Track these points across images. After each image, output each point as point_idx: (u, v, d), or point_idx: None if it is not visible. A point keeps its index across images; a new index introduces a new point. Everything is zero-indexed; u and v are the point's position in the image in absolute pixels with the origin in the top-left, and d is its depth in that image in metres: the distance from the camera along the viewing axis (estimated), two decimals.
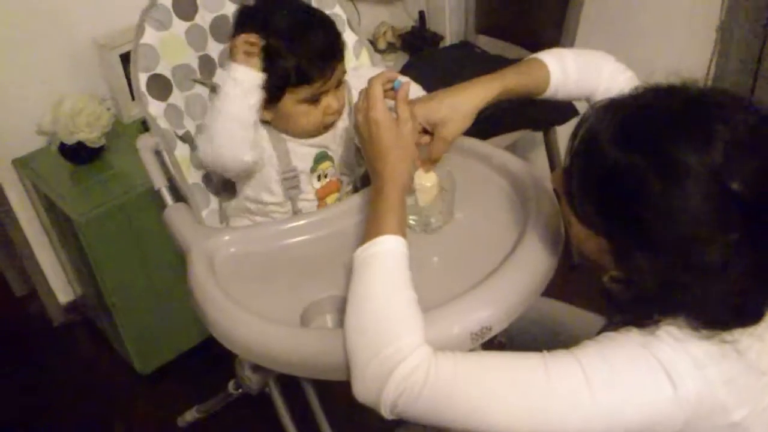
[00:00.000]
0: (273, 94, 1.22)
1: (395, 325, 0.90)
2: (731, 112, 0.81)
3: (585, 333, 1.34)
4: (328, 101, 1.25)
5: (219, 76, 1.22)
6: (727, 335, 0.84)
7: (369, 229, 1.02)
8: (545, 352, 0.86)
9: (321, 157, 1.32)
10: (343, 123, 1.33)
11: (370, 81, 1.11)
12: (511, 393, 0.84)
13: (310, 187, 1.32)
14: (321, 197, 1.34)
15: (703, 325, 0.84)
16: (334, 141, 1.33)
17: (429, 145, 1.17)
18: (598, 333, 0.91)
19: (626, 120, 0.84)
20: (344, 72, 1.28)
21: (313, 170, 1.32)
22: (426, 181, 1.16)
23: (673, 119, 0.81)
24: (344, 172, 1.36)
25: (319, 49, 1.20)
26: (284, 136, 1.29)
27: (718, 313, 0.83)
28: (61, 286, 2.43)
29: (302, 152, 1.30)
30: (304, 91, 1.22)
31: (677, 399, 0.82)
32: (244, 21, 1.24)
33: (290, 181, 1.29)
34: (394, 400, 0.86)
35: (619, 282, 0.92)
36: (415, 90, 1.39)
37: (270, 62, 1.19)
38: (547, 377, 0.83)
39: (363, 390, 0.90)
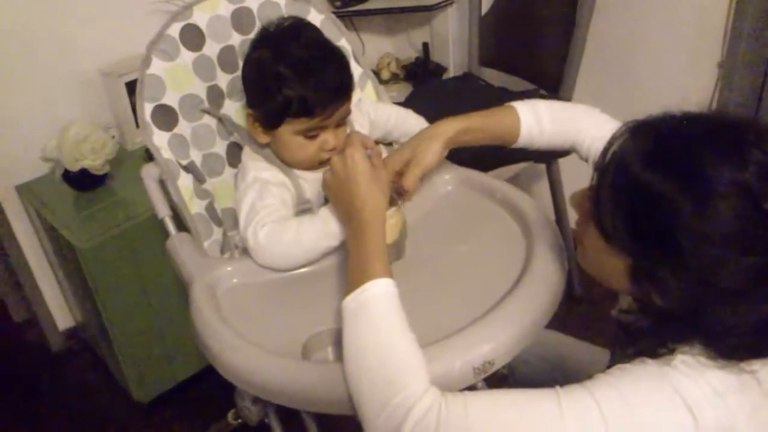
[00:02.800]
0: (272, 120, 1.23)
1: (399, 373, 0.88)
2: (764, 136, 0.82)
3: (588, 365, 1.35)
4: (326, 138, 1.24)
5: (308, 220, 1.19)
6: (746, 365, 0.83)
7: (355, 274, 0.99)
8: (558, 387, 0.85)
9: None
10: None
11: (350, 135, 1.14)
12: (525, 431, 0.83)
13: None
14: None
15: (721, 354, 0.83)
16: None
17: (402, 178, 1.19)
18: (609, 366, 0.90)
19: (659, 140, 0.84)
20: (348, 112, 1.27)
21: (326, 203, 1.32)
22: (390, 218, 1.16)
23: (707, 141, 0.82)
24: None
25: (326, 85, 1.20)
26: (294, 170, 1.28)
27: (738, 341, 0.82)
28: (60, 313, 2.43)
29: (314, 185, 1.30)
30: (303, 124, 1.21)
31: (698, 430, 0.80)
32: (262, 43, 1.25)
33: (303, 214, 1.28)
34: None
35: (629, 313, 0.92)
36: (419, 123, 1.41)
37: (276, 88, 1.19)
38: (561, 415, 0.82)
39: None
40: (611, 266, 0.90)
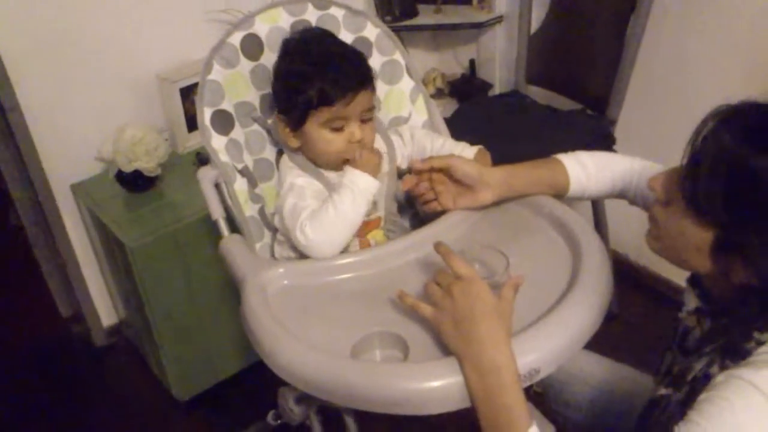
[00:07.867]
0: (297, 117, 1.29)
1: None
2: None
3: (625, 390, 1.35)
4: (352, 130, 1.29)
5: (333, 183, 1.28)
6: None
7: None
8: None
9: None
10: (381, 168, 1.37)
11: (438, 246, 1.09)
12: None
13: None
14: (361, 235, 1.35)
15: None
16: None
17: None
18: (660, 368, 0.92)
19: (755, 121, 0.90)
20: (372, 106, 1.32)
21: None
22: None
23: None
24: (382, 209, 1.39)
25: (343, 73, 1.26)
26: (325, 173, 1.33)
27: None
28: (105, 309, 2.49)
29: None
30: (325, 114, 1.26)
31: None
32: (285, 51, 1.33)
33: None
34: None
35: (696, 313, 0.97)
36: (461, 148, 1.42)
37: (299, 85, 1.26)
38: None
39: None
40: (694, 241, 0.95)
